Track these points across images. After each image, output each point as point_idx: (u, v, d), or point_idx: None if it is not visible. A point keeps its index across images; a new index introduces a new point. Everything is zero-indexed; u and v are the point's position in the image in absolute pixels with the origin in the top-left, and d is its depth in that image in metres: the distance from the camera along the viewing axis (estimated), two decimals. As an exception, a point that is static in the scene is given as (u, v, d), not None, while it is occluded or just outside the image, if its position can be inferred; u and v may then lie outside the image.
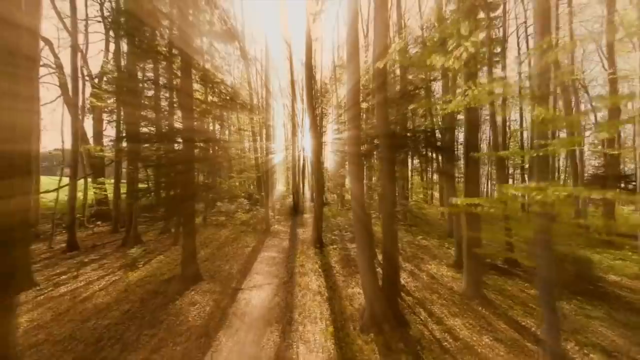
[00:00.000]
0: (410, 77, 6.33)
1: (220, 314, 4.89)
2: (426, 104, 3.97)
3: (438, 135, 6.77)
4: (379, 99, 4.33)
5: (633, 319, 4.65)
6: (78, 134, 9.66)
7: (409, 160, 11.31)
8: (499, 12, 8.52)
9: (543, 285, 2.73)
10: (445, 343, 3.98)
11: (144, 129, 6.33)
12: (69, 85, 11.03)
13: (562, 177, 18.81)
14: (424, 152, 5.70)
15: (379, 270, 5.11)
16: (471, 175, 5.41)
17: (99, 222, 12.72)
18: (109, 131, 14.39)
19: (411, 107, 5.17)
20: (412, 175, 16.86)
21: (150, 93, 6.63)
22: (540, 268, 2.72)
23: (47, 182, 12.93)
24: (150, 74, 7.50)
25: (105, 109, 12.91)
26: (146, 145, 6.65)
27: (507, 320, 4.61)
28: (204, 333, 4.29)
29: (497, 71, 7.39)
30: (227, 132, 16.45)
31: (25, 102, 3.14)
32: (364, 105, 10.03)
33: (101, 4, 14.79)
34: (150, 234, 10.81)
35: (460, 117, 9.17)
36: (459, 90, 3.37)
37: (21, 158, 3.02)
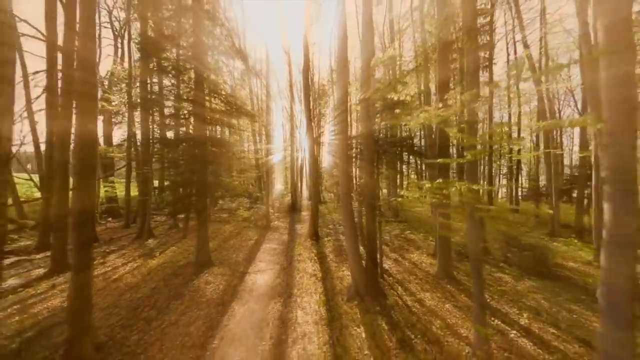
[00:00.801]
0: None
1: (232, 290, 5.96)
2: (396, 120, 4.85)
3: (422, 141, 7.84)
4: (363, 113, 5.41)
5: (569, 293, 5.77)
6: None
7: (399, 162, 12.37)
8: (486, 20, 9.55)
9: (472, 256, 3.82)
10: (414, 308, 5.07)
11: (166, 134, 7.37)
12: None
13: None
14: (402, 156, 6.72)
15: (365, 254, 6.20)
16: (442, 175, 6.50)
17: (109, 219, 13.73)
18: (116, 132, 15.41)
19: (385, 122, 6.22)
20: (405, 176, 17.95)
21: (169, 103, 7.65)
22: (470, 243, 3.80)
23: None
24: (165, 83, 8.55)
25: (113, 113, 13.94)
26: (161, 148, 7.71)
27: (467, 294, 5.70)
28: (220, 303, 5.36)
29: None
30: (229, 134, 17.47)
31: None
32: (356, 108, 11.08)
33: (110, 12, 15.81)
34: (160, 229, 11.85)
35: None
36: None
37: (92, 164, 4.07)
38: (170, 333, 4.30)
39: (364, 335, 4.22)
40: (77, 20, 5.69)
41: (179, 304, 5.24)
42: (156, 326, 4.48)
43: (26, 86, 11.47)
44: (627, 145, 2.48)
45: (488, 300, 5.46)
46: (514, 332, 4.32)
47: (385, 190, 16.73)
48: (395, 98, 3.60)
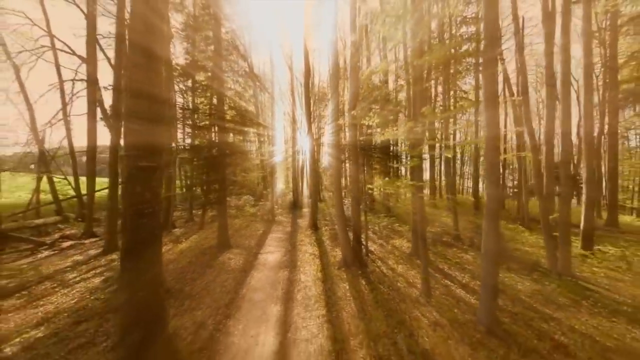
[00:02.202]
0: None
1: (249, 263, 7.85)
2: (370, 136, 6.50)
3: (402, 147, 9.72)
4: (350, 128, 7.28)
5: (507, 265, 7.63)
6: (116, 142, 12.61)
7: (379, 165, 14.27)
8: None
9: (417, 233, 5.68)
10: (387, 273, 6.94)
11: (194, 141, 9.29)
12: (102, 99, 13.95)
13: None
14: (382, 159, 8.56)
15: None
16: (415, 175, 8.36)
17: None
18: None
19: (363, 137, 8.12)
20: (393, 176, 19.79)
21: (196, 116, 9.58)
22: (419, 223, 5.66)
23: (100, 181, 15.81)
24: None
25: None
26: (192, 153, 9.62)
27: (433, 267, 7.56)
28: (242, 270, 7.25)
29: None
30: (242, 139, 19.41)
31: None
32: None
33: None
34: (179, 222, 13.75)
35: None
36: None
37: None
38: (211, 286, 6.19)
39: (347, 286, 6.11)
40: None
41: (212, 271, 7.14)
42: (200, 283, 6.38)
43: (63, 100, 13.42)
44: (493, 154, 4.38)
45: (445, 269, 7.34)
46: (454, 285, 6.20)
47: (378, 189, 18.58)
48: (367, 123, 5.42)
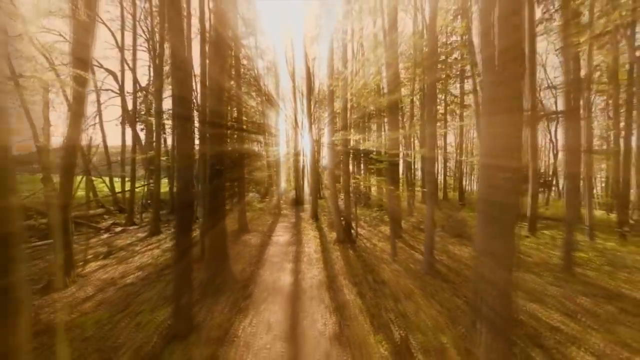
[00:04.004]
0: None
1: (265, 242, 10.45)
2: (356, 144, 8.86)
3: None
4: (344, 139, 9.87)
5: (464, 242, 10.20)
6: (136, 146, 15.23)
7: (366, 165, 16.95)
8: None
9: (392, 216, 8.26)
10: (369, 247, 9.53)
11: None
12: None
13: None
14: (368, 161, 11.12)
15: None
16: (392, 174, 10.94)
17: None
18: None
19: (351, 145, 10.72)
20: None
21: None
22: (391, 212, 8.23)
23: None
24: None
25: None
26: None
27: (407, 244, 10.14)
28: (261, 245, 9.86)
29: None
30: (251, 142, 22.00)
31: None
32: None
33: (148, 40, 20.24)
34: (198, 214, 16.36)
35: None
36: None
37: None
38: (241, 254, 8.80)
39: (339, 254, 8.71)
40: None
41: (238, 246, 9.75)
42: (232, 252, 8.95)
43: (99, 108, 16.03)
44: (431, 163, 6.98)
45: (414, 245, 9.92)
46: (417, 253, 8.79)
47: (374, 188, 21.20)
48: (349, 137, 7.94)
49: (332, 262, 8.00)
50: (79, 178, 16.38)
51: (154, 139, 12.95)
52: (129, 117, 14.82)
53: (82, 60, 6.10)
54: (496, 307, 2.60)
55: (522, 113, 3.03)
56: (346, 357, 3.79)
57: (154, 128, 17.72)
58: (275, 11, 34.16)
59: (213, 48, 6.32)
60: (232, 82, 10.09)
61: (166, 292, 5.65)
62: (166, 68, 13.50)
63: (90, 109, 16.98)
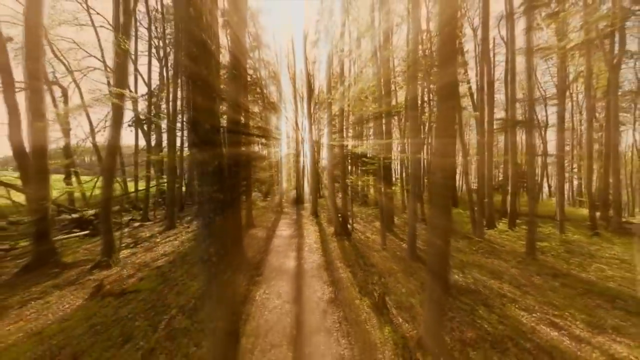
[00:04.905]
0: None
1: (270, 235, 11.79)
2: (351, 148, 10.09)
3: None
4: (340, 144, 11.19)
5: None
6: (150, 149, 16.57)
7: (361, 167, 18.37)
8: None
9: (383, 207, 9.58)
10: (363, 239, 10.86)
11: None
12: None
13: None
14: (364, 163, 12.45)
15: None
16: (386, 175, 12.26)
17: (163, 205, 19.60)
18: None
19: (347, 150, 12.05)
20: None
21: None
22: (384, 207, 9.56)
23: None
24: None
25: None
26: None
27: (397, 237, 11.47)
28: (267, 238, 11.19)
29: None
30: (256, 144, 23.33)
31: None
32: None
33: (166, 58, 21.51)
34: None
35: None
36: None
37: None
38: (249, 245, 10.12)
39: (336, 244, 10.05)
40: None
41: (246, 238, 11.08)
42: (243, 243, 10.30)
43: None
44: (416, 166, 8.32)
45: (404, 238, 11.26)
46: (405, 244, 10.12)
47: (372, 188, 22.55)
48: (346, 143, 9.26)
49: (329, 250, 9.34)
50: (93, 178, 17.76)
51: (166, 143, 14.27)
52: (139, 121, 16.12)
53: (121, 82, 7.44)
54: (435, 267, 3.91)
55: (455, 136, 4.34)
56: (338, 312, 5.12)
57: (162, 131, 19.09)
58: (276, 16, 35.52)
59: (231, 68, 7.64)
60: (244, 96, 11.45)
61: (191, 274, 6.99)
62: (170, 73, 14.87)
63: (104, 111, 18.39)
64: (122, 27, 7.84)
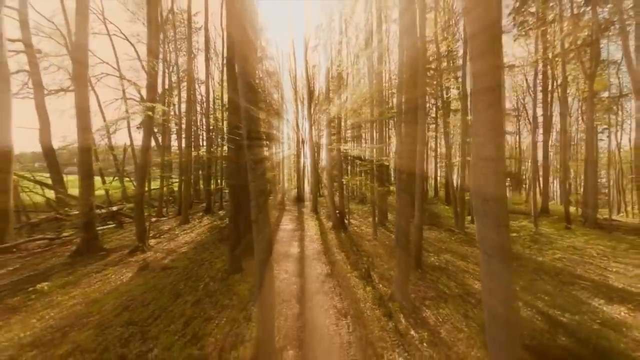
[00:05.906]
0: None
1: (275, 229, 13.34)
2: (347, 151, 11.47)
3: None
4: (338, 147, 12.74)
5: (437, 230, 13.09)
6: (164, 151, 18.13)
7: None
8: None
9: (376, 203, 11.13)
10: (358, 232, 12.42)
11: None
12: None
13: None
14: (361, 164, 13.97)
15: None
16: (380, 175, 13.81)
17: (173, 203, 21.17)
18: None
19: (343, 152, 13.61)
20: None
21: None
22: (378, 203, 11.11)
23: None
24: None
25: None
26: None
27: (389, 230, 13.02)
28: (271, 232, 12.75)
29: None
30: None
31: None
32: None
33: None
34: (216, 206, 19.25)
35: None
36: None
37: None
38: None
39: (334, 236, 11.61)
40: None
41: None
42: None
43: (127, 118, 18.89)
44: (411, 157, 9.90)
45: (392, 229, 12.82)
46: (393, 235, 11.67)
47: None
48: (342, 147, 10.79)
49: (328, 241, 10.90)
50: (106, 178, 19.35)
51: (183, 145, 15.83)
52: (149, 123, 17.65)
53: (151, 97, 9.01)
54: (401, 241, 5.47)
55: (415, 144, 5.89)
56: (333, 282, 6.68)
57: (175, 132, 20.66)
58: (277, 23, 37.06)
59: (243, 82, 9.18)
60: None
61: (214, 256, 8.56)
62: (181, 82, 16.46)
63: (116, 114, 20.00)
64: (149, 50, 9.39)
